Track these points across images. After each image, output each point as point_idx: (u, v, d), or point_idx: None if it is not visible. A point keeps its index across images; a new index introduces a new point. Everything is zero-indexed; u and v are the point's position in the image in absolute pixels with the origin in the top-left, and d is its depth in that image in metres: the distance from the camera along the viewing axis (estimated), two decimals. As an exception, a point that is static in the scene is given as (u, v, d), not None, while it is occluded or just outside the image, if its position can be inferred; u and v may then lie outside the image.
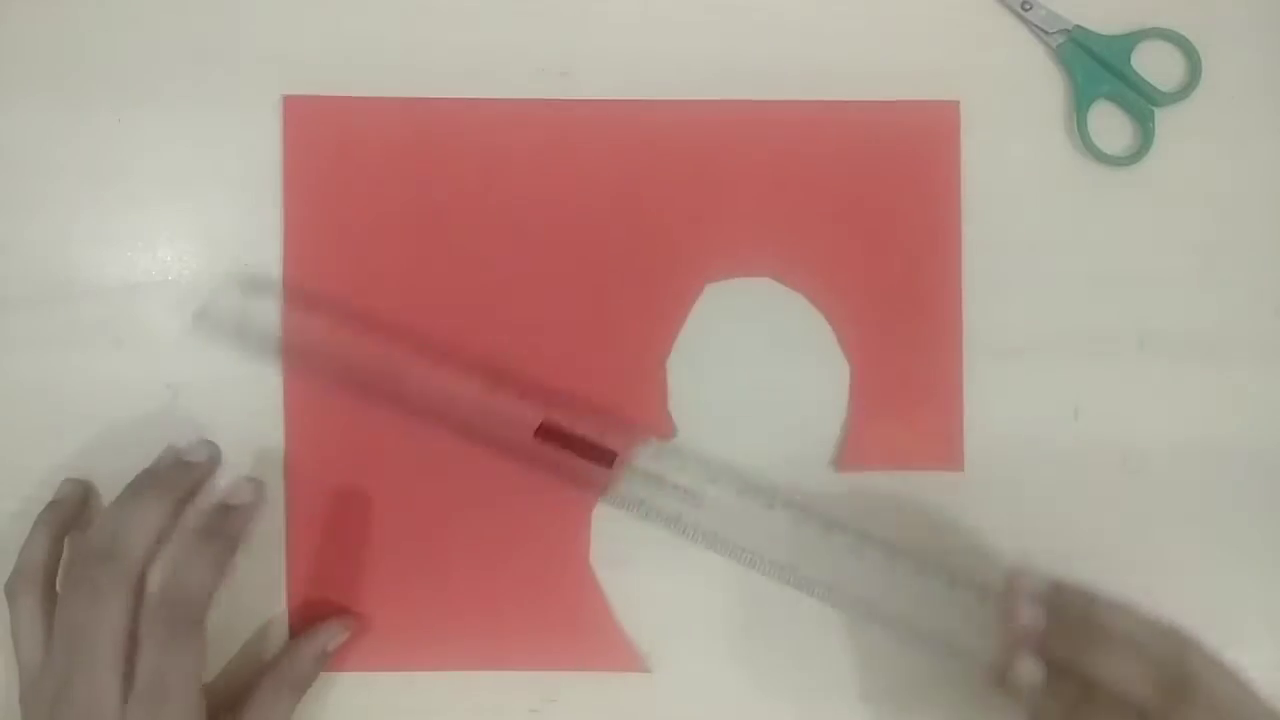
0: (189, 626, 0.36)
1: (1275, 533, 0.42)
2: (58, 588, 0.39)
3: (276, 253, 0.43)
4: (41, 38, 0.43)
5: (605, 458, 0.41)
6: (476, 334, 0.43)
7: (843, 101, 0.43)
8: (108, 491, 0.42)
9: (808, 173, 0.43)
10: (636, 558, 0.43)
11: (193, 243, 0.43)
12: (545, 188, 0.43)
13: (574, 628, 0.42)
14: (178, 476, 0.38)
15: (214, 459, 0.39)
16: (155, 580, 0.36)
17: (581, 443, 0.41)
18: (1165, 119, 0.43)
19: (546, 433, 0.41)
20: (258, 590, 0.42)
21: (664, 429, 0.42)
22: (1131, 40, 0.43)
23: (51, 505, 0.41)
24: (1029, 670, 0.35)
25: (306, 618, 0.42)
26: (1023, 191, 0.43)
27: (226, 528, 0.38)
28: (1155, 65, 0.43)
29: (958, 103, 0.43)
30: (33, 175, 0.43)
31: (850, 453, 0.43)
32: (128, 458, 0.42)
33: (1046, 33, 0.43)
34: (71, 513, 0.41)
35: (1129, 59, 0.43)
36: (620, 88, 0.43)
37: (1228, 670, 0.34)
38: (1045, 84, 0.44)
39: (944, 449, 0.43)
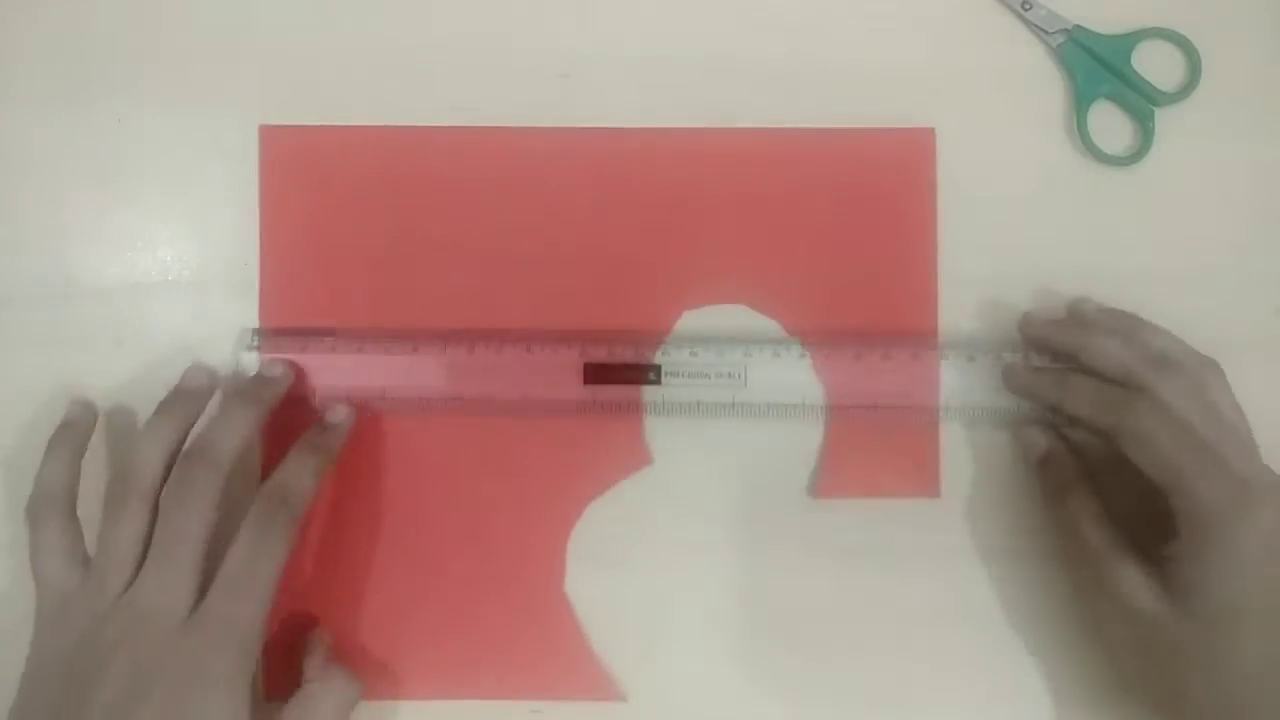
0: (286, 524, 0.38)
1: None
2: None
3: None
4: (41, 38, 0.44)
5: (652, 373, 0.41)
6: (453, 358, 0.42)
7: (818, 129, 0.43)
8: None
9: (783, 200, 0.43)
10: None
11: (193, 243, 0.44)
12: (522, 214, 0.43)
13: (549, 657, 0.42)
14: (260, 390, 0.40)
15: (286, 375, 0.41)
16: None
17: (628, 370, 0.41)
18: (1165, 119, 0.43)
19: (593, 374, 0.41)
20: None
21: (640, 458, 0.42)
22: (1131, 40, 0.43)
23: (63, 427, 0.41)
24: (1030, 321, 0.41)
25: (283, 647, 0.41)
26: (1022, 191, 0.43)
27: (325, 442, 0.40)
28: (1155, 65, 0.43)
29: (933, 129, 0.43)
30: (33, 175, 0.43)
31: (826, 480, 0.43)
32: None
33: (1046, 33, 0.43)
34: (84, 433, 0.41)
35: (1129, 59, 0.43)
36: (619, 89, 0.43)
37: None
38: (1045, 84, 0.44)
39: (919, 475, 0.43)
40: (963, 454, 0.43)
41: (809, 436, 0.43)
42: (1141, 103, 0.43)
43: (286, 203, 0.43)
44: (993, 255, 0.43)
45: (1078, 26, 0.43)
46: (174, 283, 0.43)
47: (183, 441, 0.39)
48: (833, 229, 0.43)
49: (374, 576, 0.42)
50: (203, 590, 0.36)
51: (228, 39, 0.44)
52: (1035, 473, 0.41)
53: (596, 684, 0.42)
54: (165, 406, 0.40)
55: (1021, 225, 0.43)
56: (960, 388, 0.41)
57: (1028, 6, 0.43)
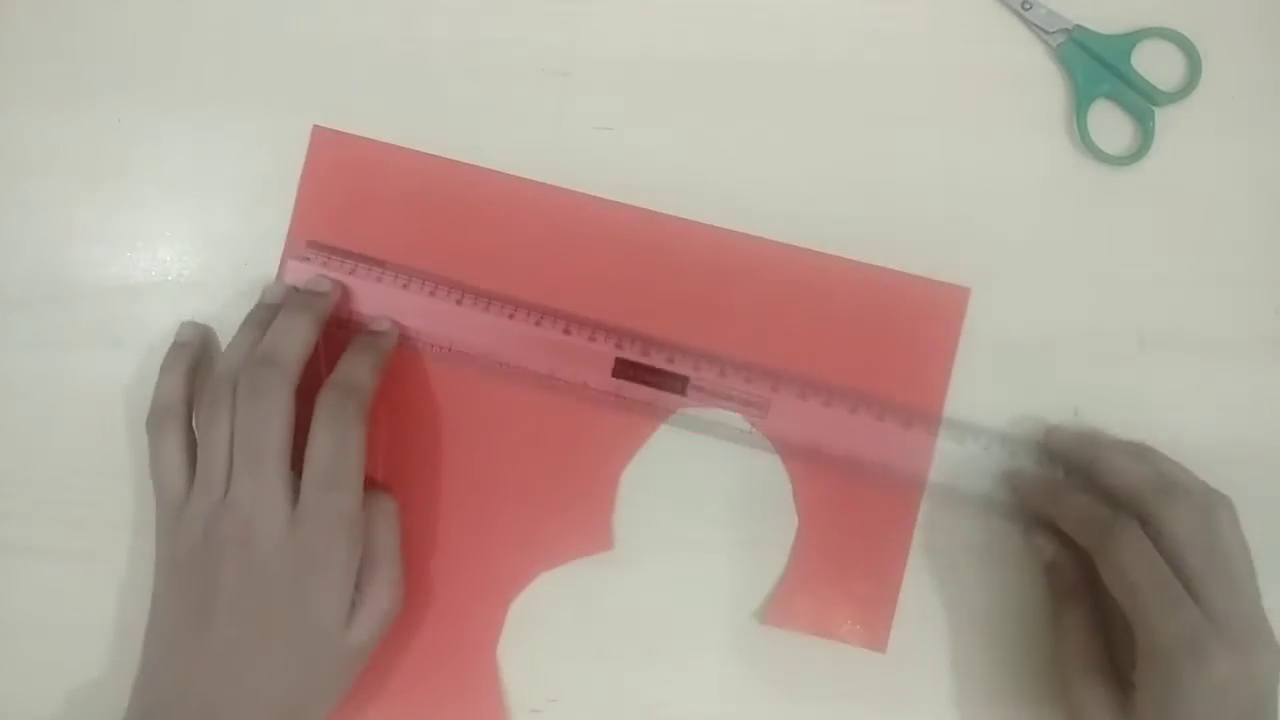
0: (357, 413, 0.38)
1: (1277, 533, 0.42)
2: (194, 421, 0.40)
3: (276, 256, 0.43)
4: (41, 38, 0.44)
5: (678, 383, 0.42)
6: (496, 320, 0.42)
7: (853, 262, 0.43)
8: (110, 493, 0.43)
9: (802, 324, 0.43)
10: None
11: (193, 243, 0.44)
12: (545, 273, 0.43)
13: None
14: (314, 302, 0.41)
15: (334, 290, 0.42)
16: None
17: (656, 373, 0.42)
18: (1165, 119, 0.43)
19: (623, 369, 0.42)
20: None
21: (602, 541, 0.42)
22: (1131, 40, 0.43)
23: (176, 346, 0.42)
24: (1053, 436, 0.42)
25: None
26: (1023, 191, 0.43)
27: (377, 343, 0.41)
28: (1155, 65, 0.43)
29: (969, 290, 0.43)
30: (33, 175, 0.43)
31: (777, 609, 0.42)
32: (128, 457, 0.42)
33: (1046, 32, 0.43)
34: (197, 351, 0.42)
35: (1129, 59, 0.43)
36: (620, 89, 0.43)
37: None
38: (1045, 84, 0.44)
39: (870, 629, 0.42)
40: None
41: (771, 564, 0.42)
42: (1141, 102, 0.43)
43: (322, 205, 0.43)
44: (991, 255, 0.43)
45: (1078, 26, 0.43)
46: (174, 283, 0.43)
47: (317, 332, 0.40)
48: (846, 364, 0.42)
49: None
50: (294, 487, 0.37)
51: (227, 39, 0.44)
52: (1044, 576, 0.42)
53: None
54: (249, 319, 0.41)
55: (1021, 225, 0.43)
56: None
57: (1028, 6, 0.43)
